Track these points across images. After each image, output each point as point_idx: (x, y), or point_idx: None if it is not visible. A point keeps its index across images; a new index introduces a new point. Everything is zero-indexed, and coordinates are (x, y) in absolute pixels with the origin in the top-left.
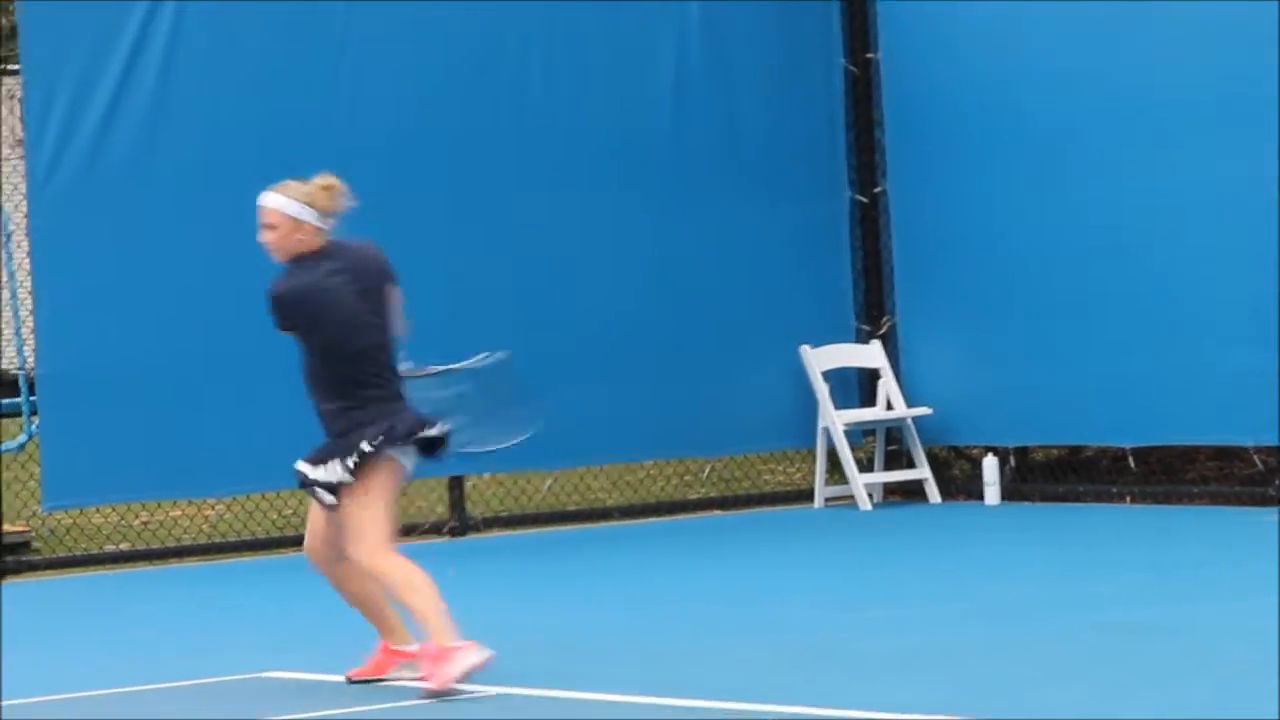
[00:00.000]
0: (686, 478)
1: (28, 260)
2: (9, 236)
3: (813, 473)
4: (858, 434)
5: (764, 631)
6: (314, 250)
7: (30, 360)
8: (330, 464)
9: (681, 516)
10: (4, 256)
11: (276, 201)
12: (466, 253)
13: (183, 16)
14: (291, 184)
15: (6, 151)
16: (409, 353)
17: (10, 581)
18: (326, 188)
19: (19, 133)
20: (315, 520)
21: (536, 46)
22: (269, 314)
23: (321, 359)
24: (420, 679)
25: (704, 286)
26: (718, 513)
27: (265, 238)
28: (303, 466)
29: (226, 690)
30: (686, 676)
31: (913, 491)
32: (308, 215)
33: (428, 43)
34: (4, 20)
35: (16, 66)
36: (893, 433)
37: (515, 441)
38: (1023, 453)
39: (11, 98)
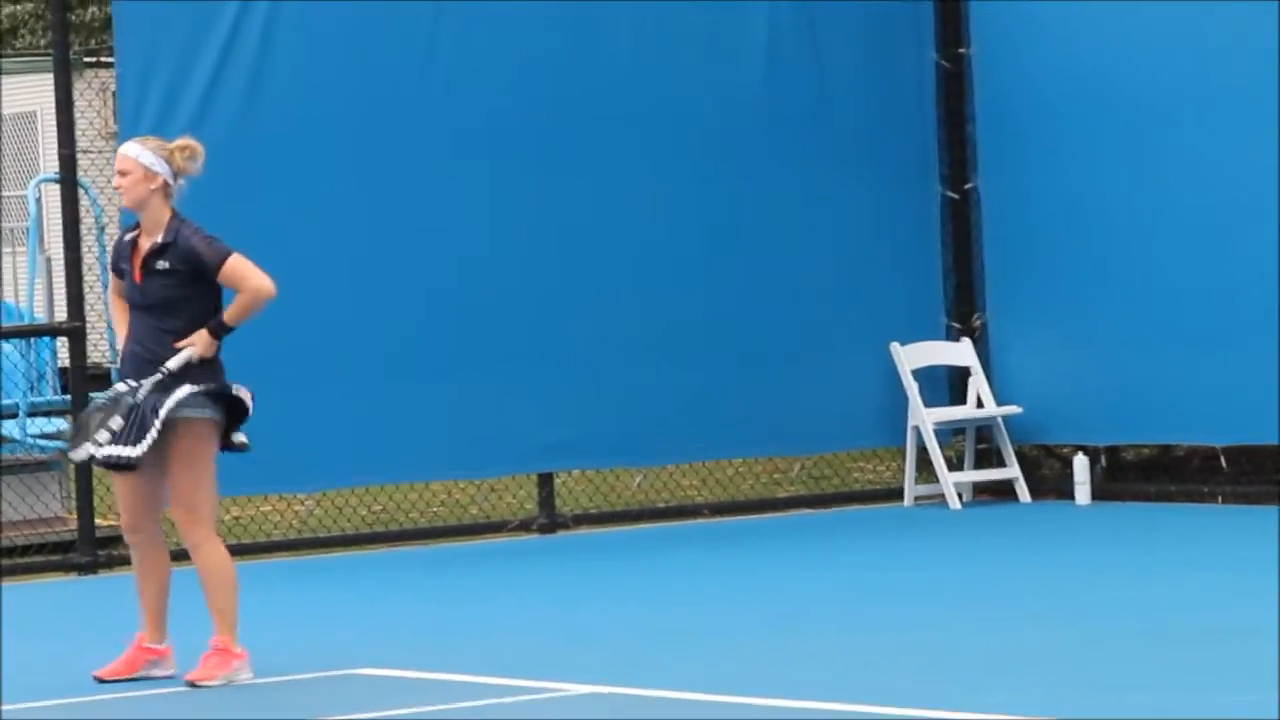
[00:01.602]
0: (776, 475)
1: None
2: (103, 229)
3: (902, 471)
4: (947, 432)
5: (853, 631)
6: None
7: None
8: None
9: (770, 514)
10: (98, 250)
11: (133, 150)
12: (552, 244)
13: (277, 6)
14: (153, 139)
15: (100, 144)
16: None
17: (104, 575)
18: (183, 148)
19: (112, 125)
20: None
21: (627, 39)
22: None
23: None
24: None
25: (794, 283)
26: (807, 511)
27: (119, 184)
28: None
29: (317, 686)
30: (776, 675)
31: (1002, 491)
32: (160, 168)
33: (520, 26)
34: (98, 12)
35: (110, 59)
36: (983, 431)
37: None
38: (1113, 452)
39: (105, 90)
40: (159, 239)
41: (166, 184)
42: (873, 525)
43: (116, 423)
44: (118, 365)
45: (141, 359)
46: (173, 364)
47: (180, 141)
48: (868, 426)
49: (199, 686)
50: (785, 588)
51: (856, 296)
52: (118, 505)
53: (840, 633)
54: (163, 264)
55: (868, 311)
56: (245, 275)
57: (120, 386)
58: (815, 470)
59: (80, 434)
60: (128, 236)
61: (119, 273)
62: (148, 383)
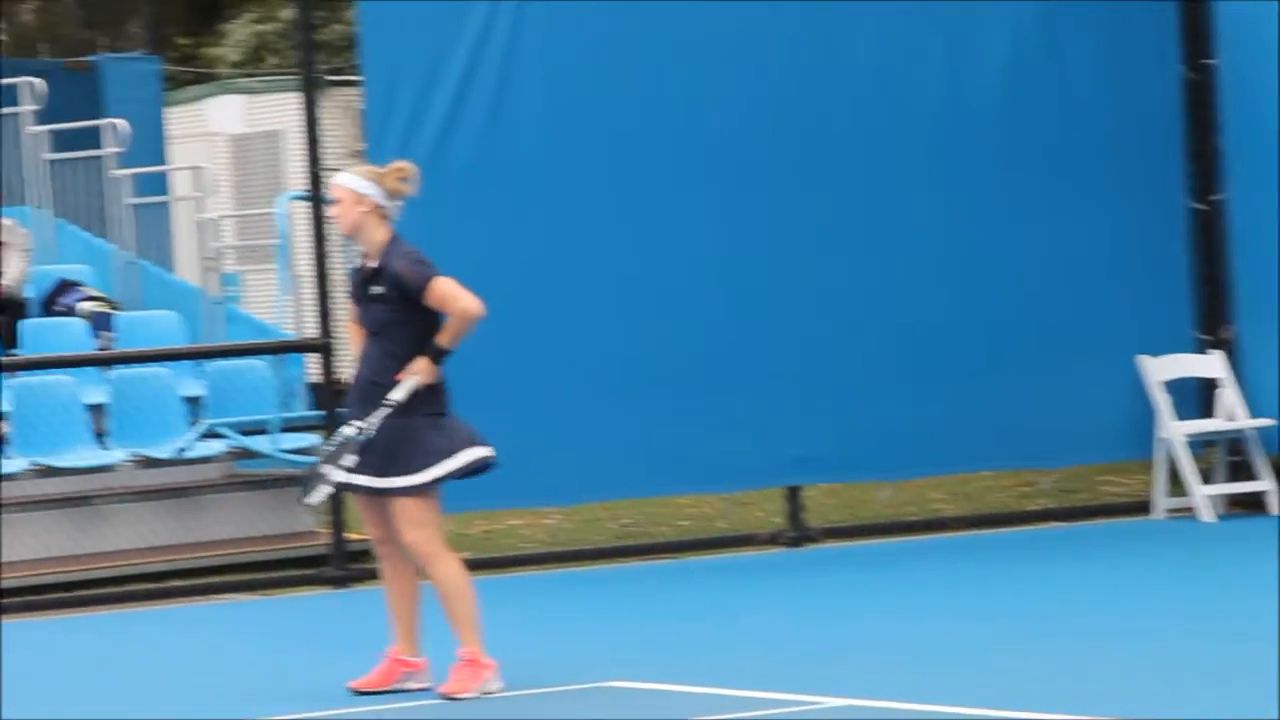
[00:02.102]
0: (1024, 489)
1: None
2: (349, 246)
3: (1151, 484)
4: (1198, 445)
5: (1103, 645)
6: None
7: None
8: None
9: (1019, 528)
10: (345, 266)
11: (342, 178)
12: (796, 260)
13: (520, 26)
14: (365, 166)
15: (346, 162)
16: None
17: (356, 588)
18: (395, 170)
19: (357, 143)
20: None
21: (866, 48)
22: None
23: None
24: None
25: (1041, 295)
26: (1056, 524)
27: (333, 212)
28: None
29: (568, 699)
30: (1026, 689)
31: (1254, 504)
32: (369, 190)
33: (760, 43)
34: (343, 31)
35: (355, 78)
36: (1234, 444)
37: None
38: None
39: (350, 108)
40: (374, 264)
41: (378, 206)
42: (1123, 539)
43: (350, 460)
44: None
45: (368, 384)
46: (397, 395)
47: (393, 164)
48: (1116, 439)
49: (453, 699)
50: (1035, 601)
51: (1103, 309)
52: (363, 520)
53: (1091, 647)
54: (376, 289)
55: (1115, 324)
56: (451, 297)
57: (348, 430)
58: (1064, 483)
59: (314, 480)
60: (359, 262)
61: (355, 299)
62: (375, 419)
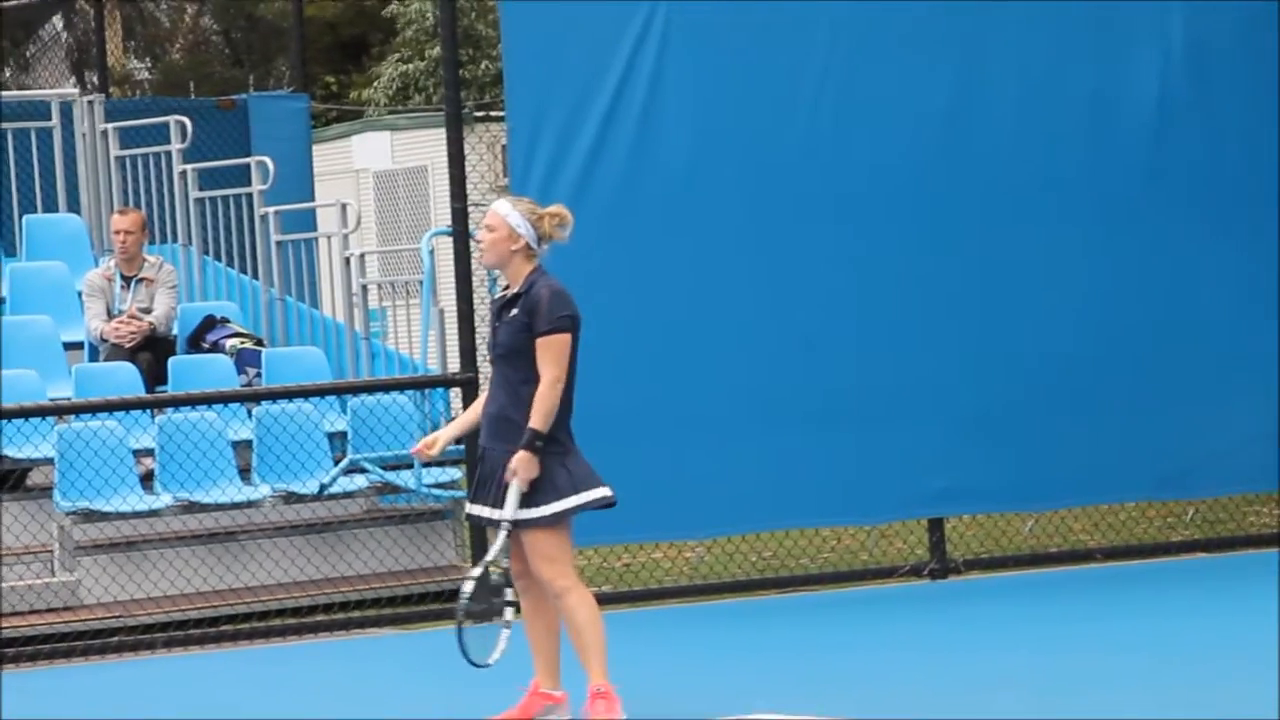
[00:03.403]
0: (1169, 519)
1: None
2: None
3: None
4: None
5: (1252, 674)
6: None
7: None
8: None
9: (1165, 559)
10: (490, 301)
11: (504, 209)
12: (940, 293)
13: (664, 62)
14: (525, 201)
15: (491, 197)
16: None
17: (498, 622)
18: (554, 214)
19: (503, 178)
20: None
21: (1012, 81)
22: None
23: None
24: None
25: (1184, 325)
26: (1202, 555)
27: (481, 237)
28: None
29: None
30: None
31: None
32: (525, 230)
33: (907, 74)
34: (489, 68)
35: (500, 114)
36: None
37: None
38: None
39: (495, 144)
40: (516, 289)
41: (529, 246)
42: (1269, 569)
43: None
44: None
45: (494, 418)
46: (509, 514)
47: (553, 208)
48: (1262, 469)
49: None
50: (1180, 632)
51: (1248, 339)
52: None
53: (1238, 677)
54: (514, 312)
55: (1260, 354)
56: (554, 360)
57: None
58: (1209, 514)
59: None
60: (500, 292)
61: (492, 326)
62: (500, 540)
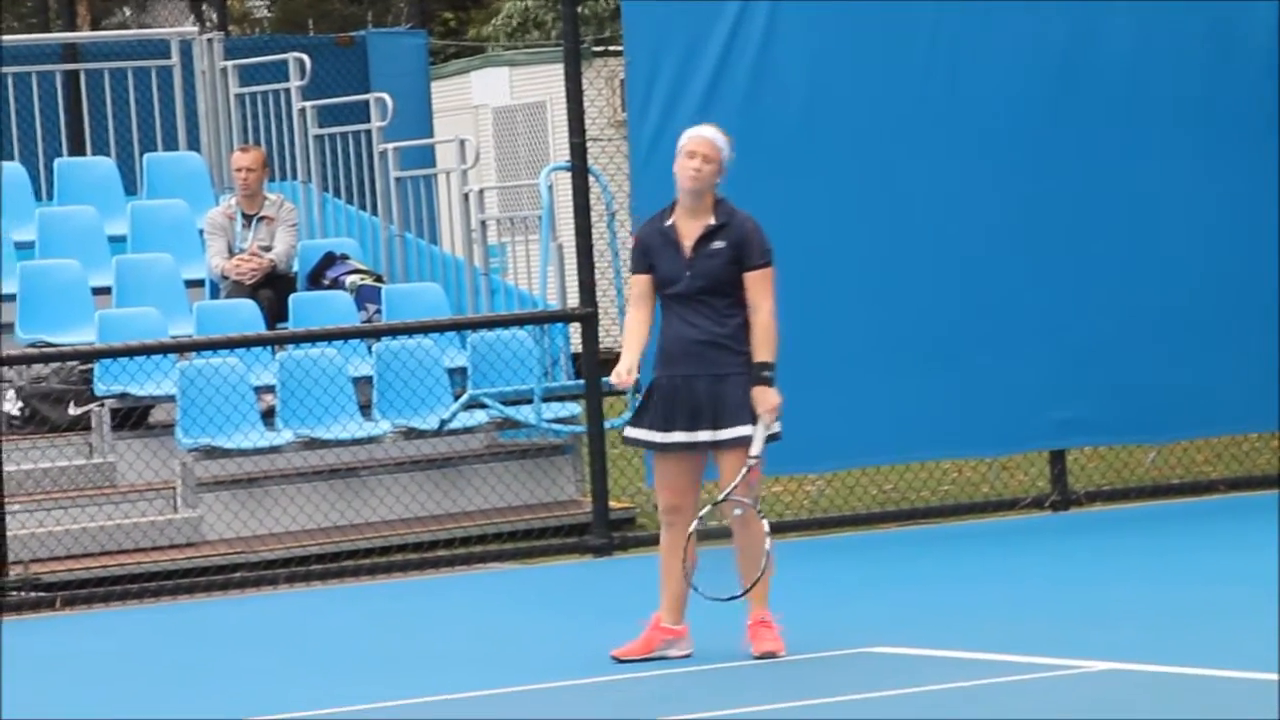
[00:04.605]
0: None
1: (630, 239)
2: (613, 215)
3: None
4: None
5: None
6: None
7: None
8: None
9: None
10: (608, 236)
11: (719, 140)
12: (1056, 228)
13: None
14: (720, 130)
15: (610, 132)
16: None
17: (618, 556)
18: (732, 142)
19: (620, 113)
20: None
21: (1129, 31)
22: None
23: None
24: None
25: (1238, 252)
26: None
27: (699, 167)
28: None
29: (833, 665)
30: None
31: None
32: (727, 162)
33: (1018, 32)
34: (607, 3)
35: (618, 48)
36: None
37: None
38: None
39: (613, 79)
40: (711, 221)
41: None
42: None
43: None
44: (661, 356)
45: (700, 344)
46: (757, 449)
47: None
48: None
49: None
50: None
51: None
52: (660, 486)
53: None
54: (718, 244)
55: None
56: (768, 293)
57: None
58: None
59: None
60: (664, 225)
61: (648, 269)
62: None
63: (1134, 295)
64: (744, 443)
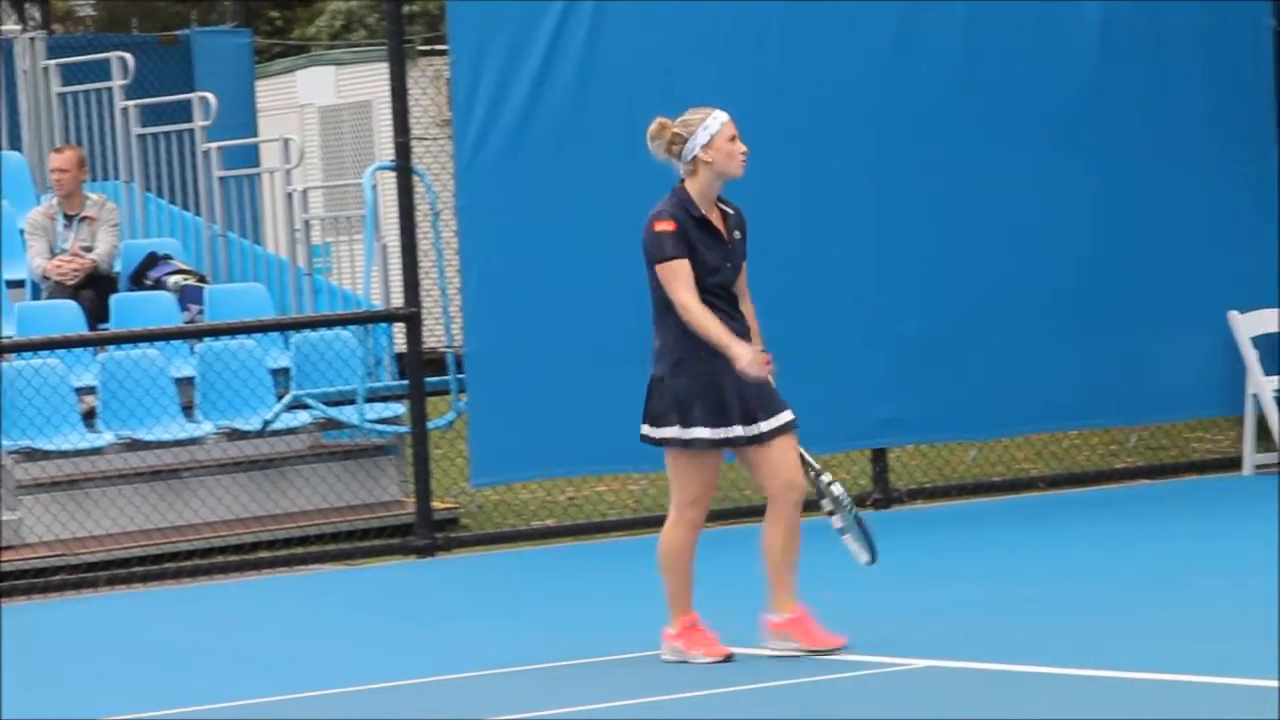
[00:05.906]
0: (1112, 447)
1: (455, 239)
2: (437, 215)
3: (1241, 440)
4: None
5: (1191, 603)
6: None
7: (458, 338)
8: None
9: (1107, 486)
10: (434, 235)
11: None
12: (888, 224)
13: None
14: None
15: (435, 131)
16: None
17: (441, 557)
18: None
19: (445, 112)
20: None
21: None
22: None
23: None
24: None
25: (1129, 253)
26: (1144, 482)
27: (739, 149)
28: None
29: (650, 665)
30: (1114, 648)
31: None
32: None
33: (844, 14)
34: (431, 4)
35: (443, 47)
36: None
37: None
38: None
39: (439, 78)
40: (729, 210)
41: None
42: (1212, 495)
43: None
44: (696, 349)
45: (736, 334)
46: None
47: None
48: (1205, 396)
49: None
50: (1123, 560)
51: (1193, 265)
52: (693, 478)
53: (1179, 605)
54: (738, 234)
55: (1204, 280)
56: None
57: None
58: (1152, 440)
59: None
60: (694, 213)
61: (690, 254)
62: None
63: (954, 294)
64: (794, 426)
